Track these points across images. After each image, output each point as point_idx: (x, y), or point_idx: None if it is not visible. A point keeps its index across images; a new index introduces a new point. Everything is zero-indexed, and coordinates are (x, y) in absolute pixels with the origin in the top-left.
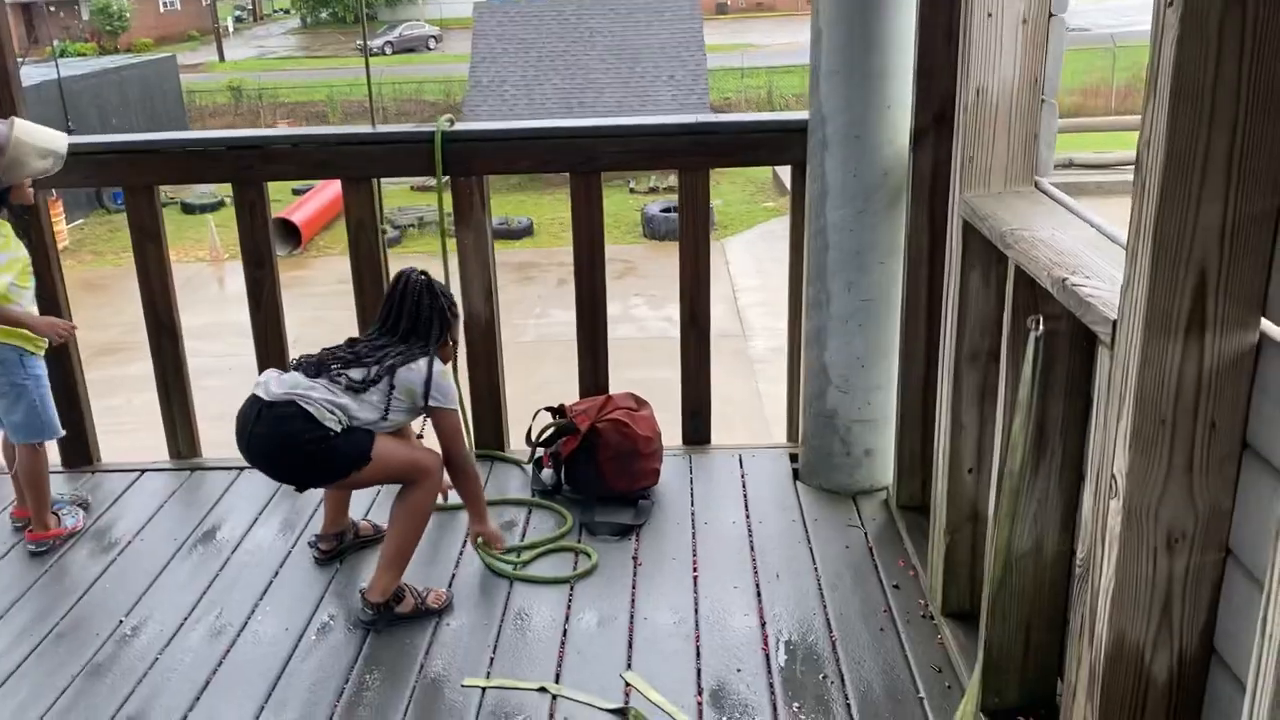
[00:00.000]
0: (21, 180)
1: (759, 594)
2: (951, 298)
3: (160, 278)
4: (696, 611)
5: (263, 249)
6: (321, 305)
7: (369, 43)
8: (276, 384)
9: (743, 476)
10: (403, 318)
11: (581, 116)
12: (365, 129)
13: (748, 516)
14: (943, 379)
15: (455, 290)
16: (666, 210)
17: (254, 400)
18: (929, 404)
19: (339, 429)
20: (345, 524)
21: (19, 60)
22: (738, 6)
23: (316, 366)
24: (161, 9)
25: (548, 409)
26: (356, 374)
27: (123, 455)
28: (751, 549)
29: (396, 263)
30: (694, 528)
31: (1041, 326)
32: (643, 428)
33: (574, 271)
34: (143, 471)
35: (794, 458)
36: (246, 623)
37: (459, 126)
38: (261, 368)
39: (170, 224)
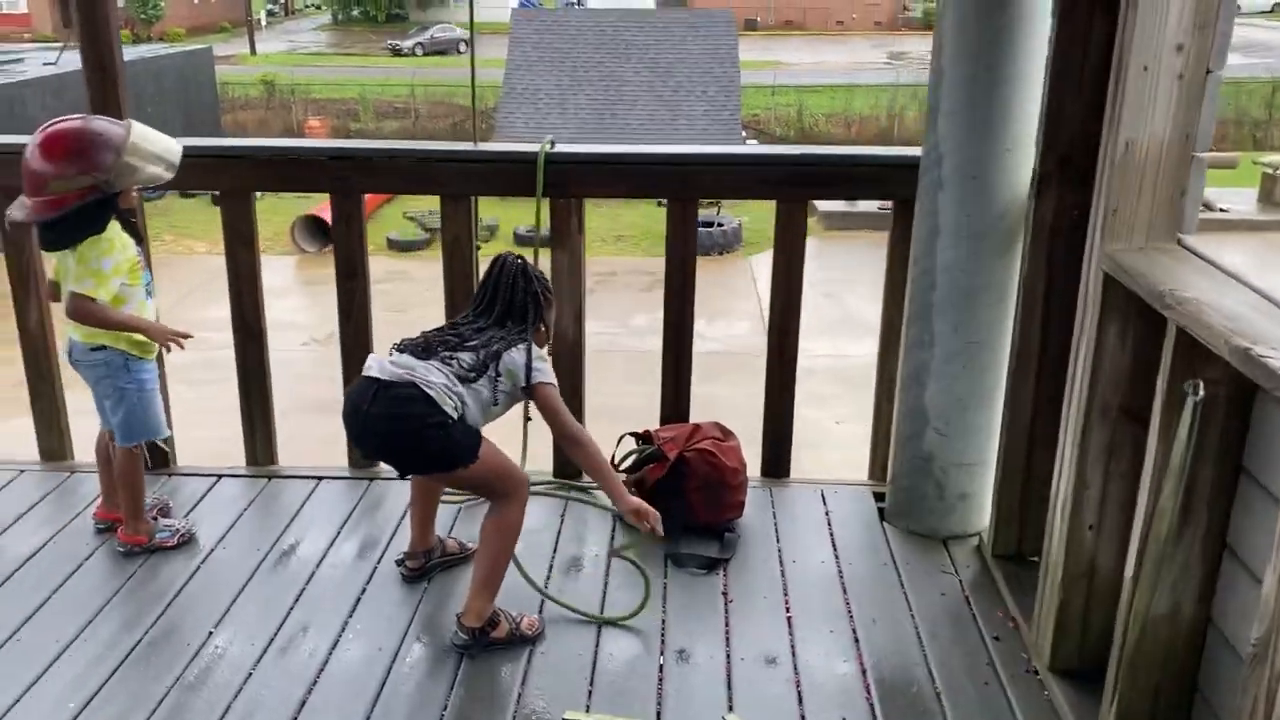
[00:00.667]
0: (132, 185)
1: (856, 639)
2: (1084, 350)
3: (250, 282)
4: (794, 654)
5: (356, 259)
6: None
7: (399, 43)
8: (393, 365)
9: (827, 514)
10: (498, 301)
11: (614, 128)
12: (466, 145)
13: (836, 556)
14: (1068, 432)
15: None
16: (703, 225)
17: (369, 381)
18: (1033, 452)
19: (456, 416)
20: (432, 541)
21: (61, 47)
22: (767, 24)
23: (425, 349)
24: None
25: (632, 434)
26: (466, 358)
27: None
28: (844, 590)
29: (424, 267)
30: (782, 565)
31: (1202, 391)
32: (731, 459)
33: (664, 296)
34: (220, 477)
35: (879, 496)
36: (337, 642)
37: (560, 148)
38: (348, 378)
39: (205, 214)
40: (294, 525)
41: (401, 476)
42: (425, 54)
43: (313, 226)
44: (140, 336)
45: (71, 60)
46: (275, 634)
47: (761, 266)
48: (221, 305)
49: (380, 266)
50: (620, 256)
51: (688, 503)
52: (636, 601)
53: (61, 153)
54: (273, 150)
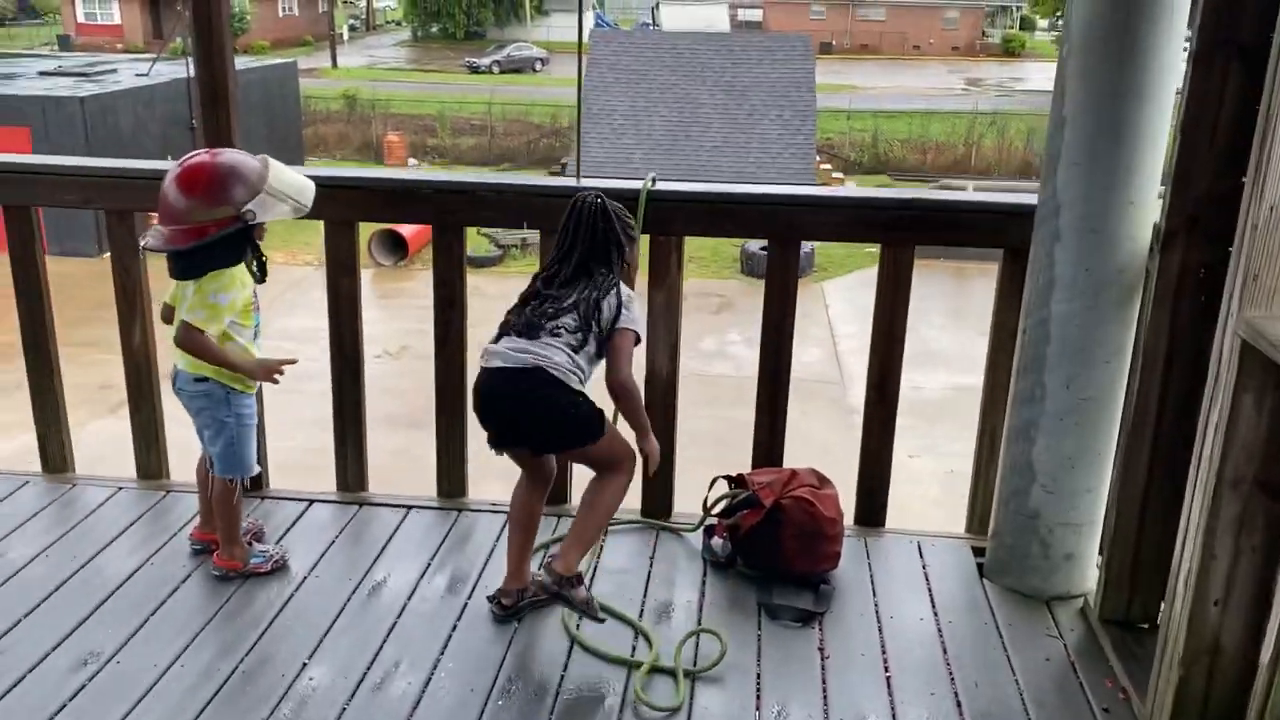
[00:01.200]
0: (266, 220)
1: (959, 703)
2: (1216, 418)
3: (350, 311)
4: (894, 716)
5: (455, 291)
6: (424, 317)
7: (477, 61)
8: (513, 352)
9: (924, 567)
10: (578, 244)
11: (688, 150)
12: (570, 182)
13: (935, 613)
14: (1194, 501)
15: (640, 350)
16: (766, 248)
17: (496, 371)
18: (1146, 517)
19: (583, 391)
20: (526, 579)
21: (153, 58)
22: (842, 47)
23: (529, 327)
24: (280, 13)
25: (725, 477)
26: (569, 321)
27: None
28: (944, 650)
29: (496, 284)
30: (879, 620)
31: None
32: (828, 508)
33: (762, 336)
34: (311, 502)
35: (978, 551)
36: (430, 679)
37: (661, 186)
38: (442, 407)
39: (278, 224)
40: (384, 555)
41: (535, 454)
42: (501, 71)
43: (389, 241)
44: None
45: (162, 72)
46: (368, 669)
47: (834, 293)
48: (298, 315)
49: None
50: (690, 279)
51: (782, 551)
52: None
53: (206, 183)
54: (379, 182)
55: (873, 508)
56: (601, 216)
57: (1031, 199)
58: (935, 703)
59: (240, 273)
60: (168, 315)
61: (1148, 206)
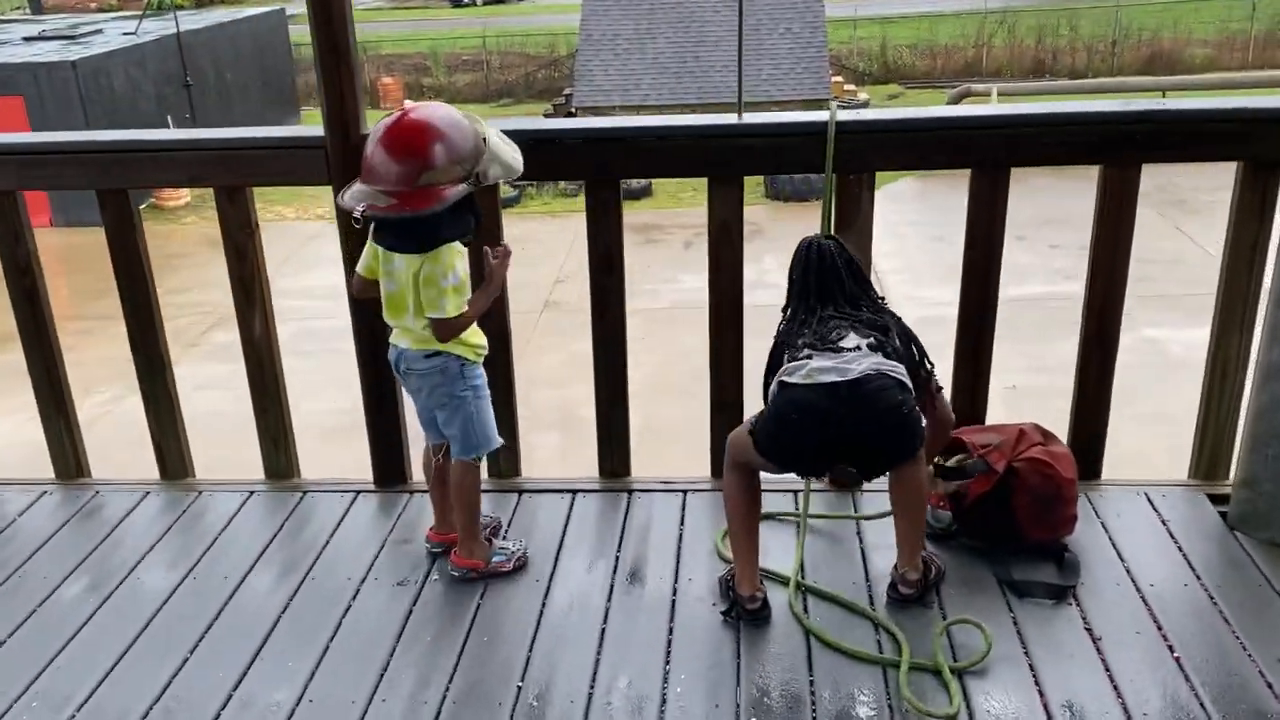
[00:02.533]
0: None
1: (1269, 684)
2: None
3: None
4: (1201, 702)
5: (614, 254)
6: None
7: None
8: (845, 364)
9: (1164, 523)
10: (838, 289)
11: (697, 71)
12: (730, 119)
13: (1197, 576)
14: None
15: None
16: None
17: (831, 386)
18: None
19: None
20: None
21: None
22: None
23: (821, 340)
24: None
25: None
26: (880, 337)
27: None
28: (1225, 621)
29: (518, 224)
30: (1139, 589)
31: None
32: (1065, 468)
33: (962, 282)
34: (575, 493)
35: (1215, 499)
36: (664, 697)
37: (845, 115)
38: (601, 384)
39: None
40: (650, 545)
41: (867, 479)
42: (485, 2)
43: None
44: (477, 339)
45: (149, 29)
46: (664, 692)
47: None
48: (315, 273)
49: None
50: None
51: (1016, 520)
52: (980, 645)
53: (434, 140)
54: (522, 134)
55: (1090, 459)
56: (844, 260)
57: (1274, 100)
58: (1242, 688)
59: (454, 246)
60: (363, 286)
61: None
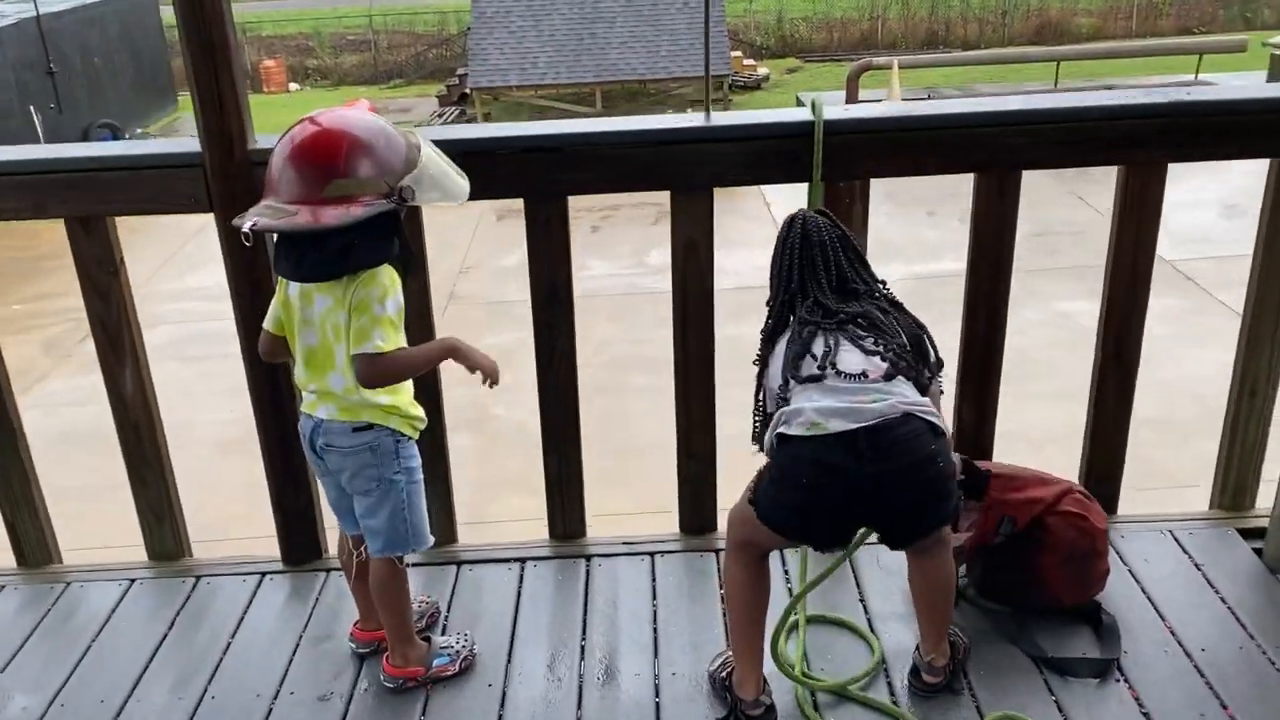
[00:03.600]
0: (415, 204)
1: None
2: None
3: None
4: None
5: (560, 283)
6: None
7: None
8: (859, 403)
9: (1198, 567)
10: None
11: (594, 49)
12: (698, 120)
13: (1250, 636)
14: None
15: None
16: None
17: (844, 436)
18: None
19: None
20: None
21: None
22: None
23: (833, 364)
24: None
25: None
26: (896, 344)
27: None
28: None
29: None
30: (1188, 656)
31: None
32: (1097, 518)
33: (966, 294)
34: (524, 561)
35: (1246, 534)
36: None
37: (833, 115)
38: (549, 435)
39: None
40: (609, 624)
41: (895, 547)
42: None
43: None
44: (415, 410)
45: (6, 12)
46: None
47: (774, 190)
48: (200, 273)
49: None
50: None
51: (1043, 580)
52: None
53: (351, 147)
54: (452, 145)
55: (1108, 494)
56: (839, 237)
57: None
58: None
59: (390, 270)
60: (271, 347)
61: None
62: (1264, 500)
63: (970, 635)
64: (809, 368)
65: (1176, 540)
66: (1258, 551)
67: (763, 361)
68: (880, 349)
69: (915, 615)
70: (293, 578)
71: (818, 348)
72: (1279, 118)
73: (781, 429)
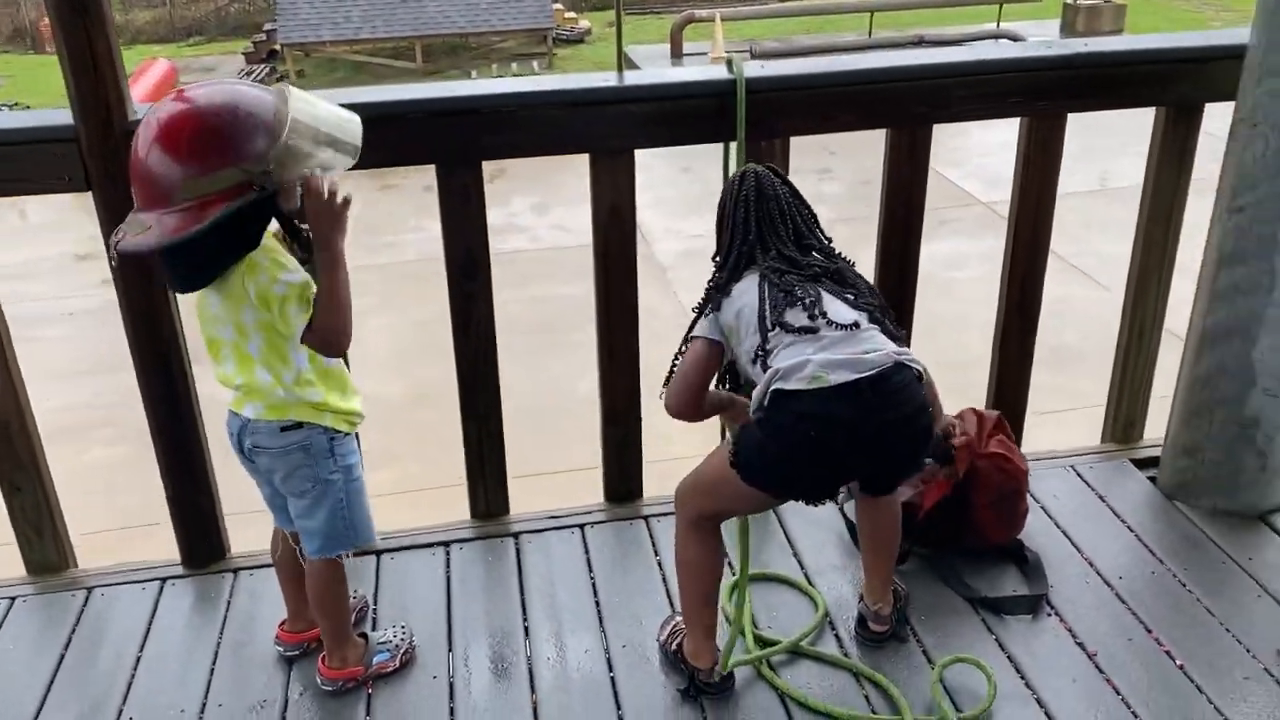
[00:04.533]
0: (297, 179)
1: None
2: None
3: None
4: (1220, 713)
5: (477, 254)
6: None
7: None
8: (857, 355)
9: (1103, 499)
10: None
11: (411, 3)
12: (612, 80)
13: (1160, 561)
14: None
15: None
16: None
17: (849, 386)
18: None
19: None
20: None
21: None
22: None
23: (824, 314)
24: None
25: None
26: (869, 298)
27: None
28: (1209, 612)
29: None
30: (1110, 586)
31: None
32: (1019, 457)
33: (879, 247)
34: (448, 545)
35: (1140, 464)
36: None
37: (752, 73)
38: (469, 409)
39: None
40: (549, 602)
41: (880, 494)
42: None
43: None
44: (349, 403)
45: None
46: None
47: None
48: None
49: None
50: None
51: (974, 523)
52: (977, 684)
53: (194, 140)
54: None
55: (1016, 435)
56: (791, 191)
57: (1198, 39)
58: (1254, 689)
59: (277, 253)
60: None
61: None
62: (1151, 431)
63: (907, 583)
64: (798, 318)
65: (1079, 474)
66: (1151, 479)
67: (712, 296)
68: (861, 303)
69: (861, 563)
70: (197, 582)
71: (798, 300)
72: (1163, 68)
73: (779, 384)
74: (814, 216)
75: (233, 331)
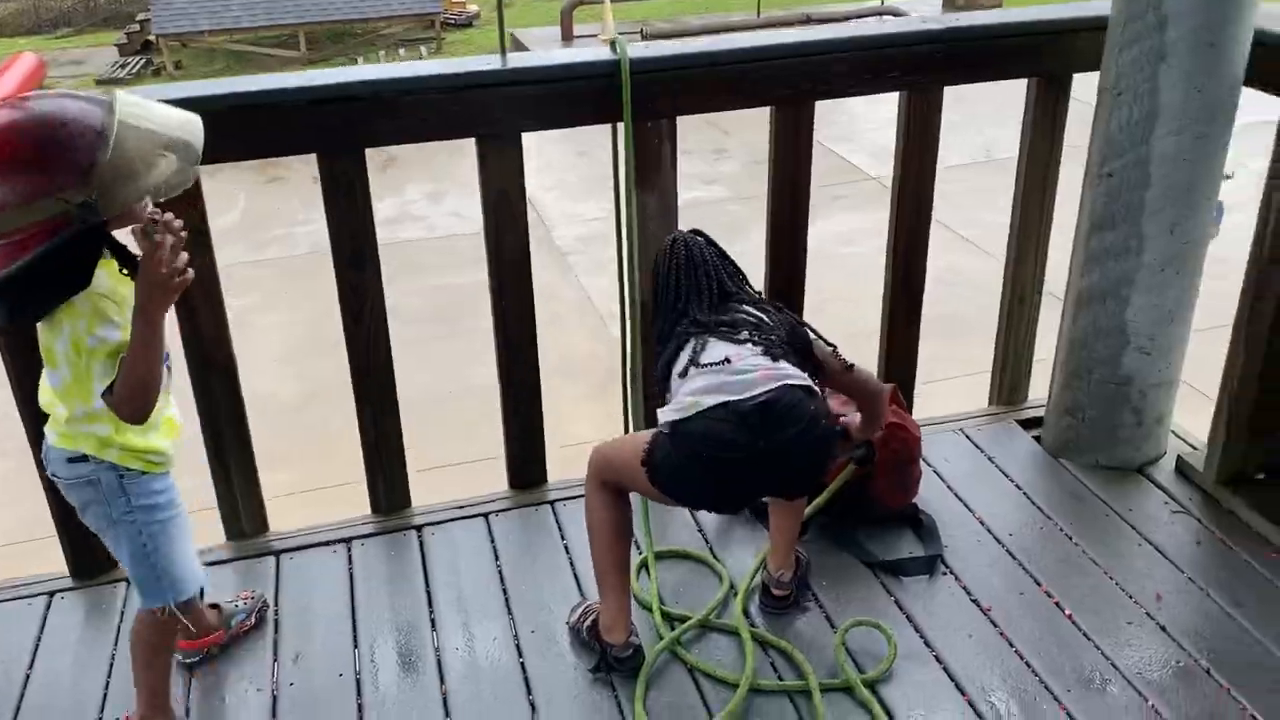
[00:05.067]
0: (132, 202)
1: (1163, 629)
2: None
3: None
4: (1113, 663)
5: (364, 244)
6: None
7: None
8: (744, 377)
9: (991, 460)
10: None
11: None
12: (495, 63)
13: (1048, 517)
14: None
15: (637, 268)
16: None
17: (736, 408)
18: (1274, 363)
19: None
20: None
21: None
22: None
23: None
24: None
25: None
26: (767, 328)
27: None
28: (1094, 563)
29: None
30: (1000, 543)
31: None
32: (913, 425)
33: (769, 222)
34: (349, 541)
35: (1025, 424)
36: None
37: (637, 54)
38: (363, 399)
39: None
40: (454, 593)
41: (792, 498)
42: None
43: None
44: (147, 439)
45: None
46: None
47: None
48: None
49: None
50: None
51: (871, 492)
52: (878, 645)
53: (7, 164)
54: (224, 99)
55: (907, 403)
56: (719, 256)
57: (1064, 10)
58: (1142, 634)
59: (115, 282)
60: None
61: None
62: (1035, 392)
63: (807, 551)
64: (679, 367)
65: (968, 437)
66: (1037, 439)
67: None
68: (749, 338)
69: (765, 535)
70: (87, 594)
71: (684, 353)
72: (1032, 40)
73: (671, 417)
74: (739, 272)
75: (45, 355)
